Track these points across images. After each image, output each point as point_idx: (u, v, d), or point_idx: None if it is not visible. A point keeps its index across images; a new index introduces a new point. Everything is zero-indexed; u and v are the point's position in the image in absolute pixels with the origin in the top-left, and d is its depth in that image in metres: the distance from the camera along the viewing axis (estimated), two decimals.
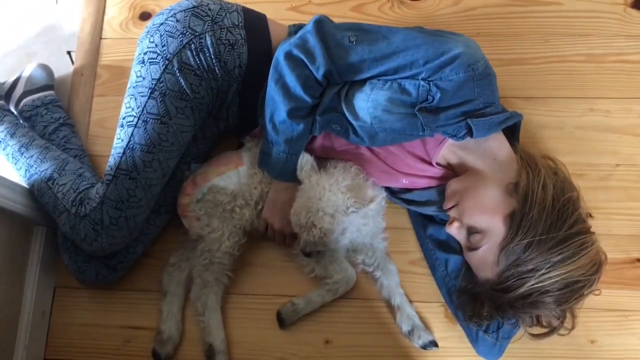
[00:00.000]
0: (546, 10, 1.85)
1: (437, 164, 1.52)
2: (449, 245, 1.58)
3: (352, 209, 1.40)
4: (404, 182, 1.57)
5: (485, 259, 1.38)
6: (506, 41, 1.82)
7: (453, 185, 1.46)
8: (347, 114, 1.43)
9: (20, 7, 2.03)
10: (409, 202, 1.62)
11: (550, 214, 1.32)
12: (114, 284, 1.63)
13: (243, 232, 1.58)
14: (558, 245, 1.30)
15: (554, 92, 1.77)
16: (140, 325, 1.63)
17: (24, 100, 1.78)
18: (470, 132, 1.38)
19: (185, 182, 1.62)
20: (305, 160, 1.46)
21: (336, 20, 1.49)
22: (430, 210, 1.60)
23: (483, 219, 1.38)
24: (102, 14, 1.97)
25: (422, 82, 1.34)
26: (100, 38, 1.94)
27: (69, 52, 1.94)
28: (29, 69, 1.82)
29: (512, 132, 1.50)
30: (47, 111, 1.77)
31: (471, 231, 1.40)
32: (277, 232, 1.58)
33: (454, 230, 1.45)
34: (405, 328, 1.56)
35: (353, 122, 1.43)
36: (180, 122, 1.47)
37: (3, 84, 1.83)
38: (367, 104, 1.39)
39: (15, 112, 1.79)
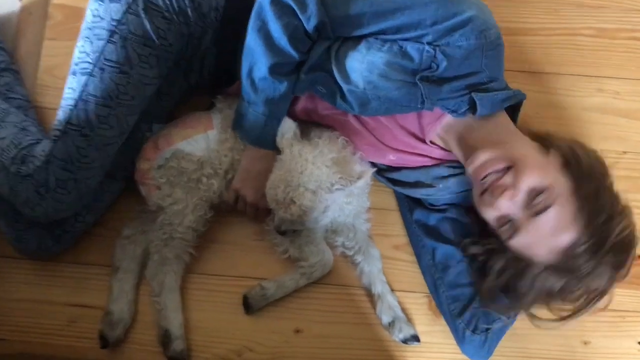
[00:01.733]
0: None
1: (431, 142, 1.37)
2: (438, 233, 1.44)
3: (337, 186, 1.25)
4: (392, 158, 1.42)
5: (562, 218, 1.19)
6: (512, 8, 1.66)
7: (487, 153, 1.25)
8: (336, 75, 1.27)
9: None
10: (396, 182, 1.47)
11: (595, 160, 1.25)
12: (58, 256, 1.46)
13: (209, 205, 1.41)
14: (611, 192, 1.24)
15: (561, 67, 1.63)
16: (88, 304, 1.46)
17: None
18: (473, 108, 1.25)
19: (145, 144, 1.43)
20: (288, 126, 1.30)
21: None
22: (418, 193, 1.45)
23: (543, 175, 1.22)
24: None
25: (426, 47, 1.19)
26: None
27: None
28: None
29: (512, 112, 1.36)
30: None
31: (533, 194, 1.21)
32: (248, 205, 1.42)
33: (507, 201, 1.21)
34: (386, 320, 1.42)
35: (343, 85, 1.28)
36: (142, 72, 1.29)
37: None
38: (361, 65, 1.23)
39: None
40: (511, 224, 1.23)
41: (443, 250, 1.42)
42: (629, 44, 1.64)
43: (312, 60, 1.28)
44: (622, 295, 1.46)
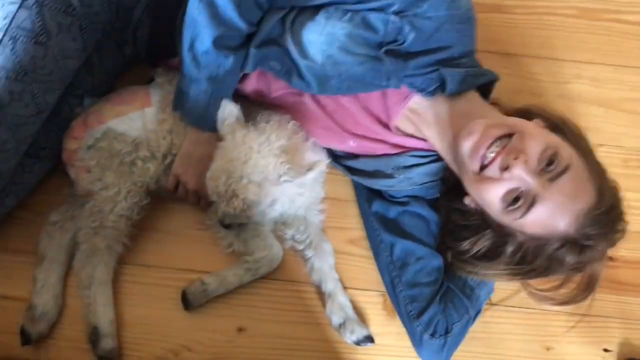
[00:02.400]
0: None
1: (397, 127, 1.25)
2: (398, 227, 1.32)
3: (284, 178, 1.13)
4: (352, 144, 1.30)
5: (579, 179, 1.09)
6: None
7: (482, 122, 1.12)
8: (292, 49, 1.15)
9: None
10: (353, 170, 1.34)
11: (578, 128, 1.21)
12: None
13: (145, 191, 1.28)
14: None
15: (537, 50, 1.52)
16: (9, 295, 1.32)
17: None
18: (442, 86, 1.15)
19: (74, 121, 1.28)
20: (229, 110, 1.16)
21: None
22: (378, 184, 1.33)
23: (547, 136, 1.11)
24: None
25: (392, 17, 1.10)
26: None
27: None
28: None
29: (482, 95, 1.24)
30: None
31: (545, 157, 1.07)
32: (190, 192, 1.29)
33: (522, 168, 1.06)
34: (336, 320, 1.31)
35: (299, 60, 1.16)
36: (63, 44, 1.13)
37: None
38: (319, 37, 1.12)
39: None
40: (525, 198, 1.09)
41: (402, 246, 1.31)
42: (612, 27, 1.53)
43: (264, 33, 1.15)
44: (589, 300, 1.35)
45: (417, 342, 1.29)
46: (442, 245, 1.31)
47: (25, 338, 1.26)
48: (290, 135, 1.20)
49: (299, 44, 1.14)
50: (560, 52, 1.51)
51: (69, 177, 1.30)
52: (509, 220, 1.12)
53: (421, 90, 1.17)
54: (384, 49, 1.12)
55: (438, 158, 1.27)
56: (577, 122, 1.23)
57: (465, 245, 1.22)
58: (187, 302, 1.31)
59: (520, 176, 1.07)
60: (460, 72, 1.16)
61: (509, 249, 1.16)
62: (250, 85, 1.27)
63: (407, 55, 1.13)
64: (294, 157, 1.16)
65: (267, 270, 1.31)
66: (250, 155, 1.12)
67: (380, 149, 1.29)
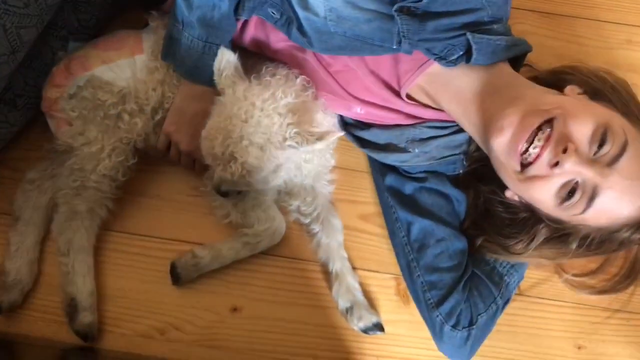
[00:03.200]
0: None
1: (408, 96, 1.11)
2: (415, 204, 1.18)
3: (290, 142, 0.99)
4: (358, 111, 1.17)
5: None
6: None
7: (515, 111, 0.97)
8: None
9: None
10: (364, 142, 1.21)
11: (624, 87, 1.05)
12: None
13: (133, 150, 1.15)
14: None
15: (581, 10, 1.39)
16: None
17: None
18: (468, 54, 1.00)
19: (55, 67, 1.16)
20: (227, 59, 1.02)
21: None
22: (390, 159, 1.19)
23: (592, 113, 0.95)
24: None
25: None
26: None
27: None
28: None
29: (512, 64, 1.09)
30: None
31: (596, 139, 0.93)
32: (183, 154, 1.17)
33: (574, 160, 0.92)
34: (343, 304, 1.19)
35: (299, 11, 1.02)
36: None
37: None
38: None
39: None
40: (582, 190, 0.95)
41: (421, 225, 1.17)
42: None
43: None
44: (628, 294, 1.20)
45: (437, 335, 1.15)
46: (475, 232, 1.17)
47: None
48: (298, 92, 1.06)
49: None
50: (608, 13, 1.39)
51: (50, 131, 1.18)
52: (567, 216, 0.99)
53: (441, 59, 1.02)
54: (397, 5, 0.97)
55: (460, 129, 1.12)
56: None
57: (518, 246, 1.08)
58: (177, 276, 1.18)
59: (574, 169, 0.92)
60: (491, 40, 1.01)
61: (573, 245, 1.03)
62: (249, 33, 1.14)
63: (426, 15, 0.99)
64: (302, 118, 1.02)
65: (267, 244, 1.19)
66: (252, 113, 0.99)
67: (392, 118, 1.16)
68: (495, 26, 1.02)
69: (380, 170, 1.23)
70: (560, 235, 1.03)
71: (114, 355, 1.19)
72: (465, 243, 1.16)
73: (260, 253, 1.20)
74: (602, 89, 1.03)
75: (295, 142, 0.98)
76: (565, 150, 0.92)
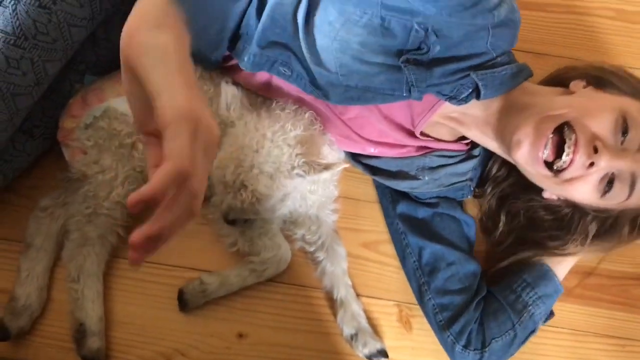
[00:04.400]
0: None
1: (422, 133, 1.15)
2: (427, 229, 1.22)
3: (297, 171, 1.03)
4: (372, 151, 1.21)
5: None
6: None
7: (530, 124, 1.01)
8: (306, 52, 1.03)
9: None
10: (375, 170, 1.24)
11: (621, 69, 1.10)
12: None
13: (144, 177, 1.16)
14: None
15: (569, 51, 1.41)
16: None
17: None
18: (476, 92, 1.03)
19: (72, 98, 1.18)
20: (231, 94, 1.06)
21: None
22: (402, 186, 1.22)
23: (604, 106, 1.00)
24: None
25: (416, 25, 0.96)
26: None
27: None
28: None
29: None
30: None
31: (617, 131, 0.98)
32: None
33: (607, 157, 0.96)
34: (348, 331, 1.20)
35: (312, 67, 1.04)
36: (69, 10, 1.02)
37: None
38: (332, 44, 1.00)
39: None
40: (620, 180, 0.99)
41: (431, 250, 1.21)
42: None
43: (270, 32, 1.04)
44: (622, 320, 1.26)
45: (450, 354, 1.18)
46: (523, 247, 1.19)
47: (4, 333, 1.14)
48: (306, 125, 1.10)
49: (312, 47, 1.03)
50: (594, 54, 1.40)
51: (64, 161, 1.19)
52: (611, 205, 1.03)
53: (452, 99, 1.05)
54: (403, 57, 1.00)
55: (466, 157, 1.17)
56: None
57: (572, 247, 1.11)
58: (184, 303, 1.20)
59: (609, 165, 0.97)
60: (496, 73, 1.04)
61: (625, 230, 1.07)
62: (260, 80, 1.16)
63: (432, 63, 1.01)
64: (310, 149, 1.06)
65: (273, 272, 1.20)
66: (263, 144, 1.03)
67: (404, 152, 1.20)
68: (499, 59, 1.05)
69: (391, 198, 1.26)
70: (610, 224, 1.06)
71: None
72: (477, 266, 1.20)
73: (266, 280, 1.21)
74: (602, 76, 1.07)
75: (302, 170, 1.02)
76: (596, 150, 0.96)
